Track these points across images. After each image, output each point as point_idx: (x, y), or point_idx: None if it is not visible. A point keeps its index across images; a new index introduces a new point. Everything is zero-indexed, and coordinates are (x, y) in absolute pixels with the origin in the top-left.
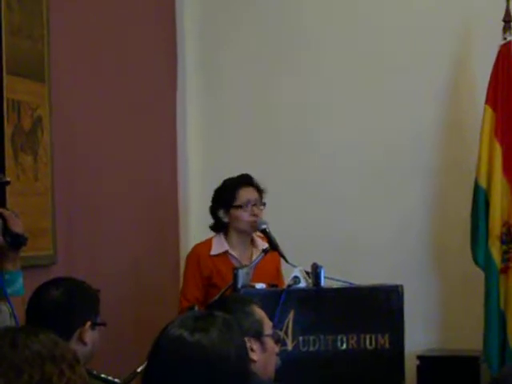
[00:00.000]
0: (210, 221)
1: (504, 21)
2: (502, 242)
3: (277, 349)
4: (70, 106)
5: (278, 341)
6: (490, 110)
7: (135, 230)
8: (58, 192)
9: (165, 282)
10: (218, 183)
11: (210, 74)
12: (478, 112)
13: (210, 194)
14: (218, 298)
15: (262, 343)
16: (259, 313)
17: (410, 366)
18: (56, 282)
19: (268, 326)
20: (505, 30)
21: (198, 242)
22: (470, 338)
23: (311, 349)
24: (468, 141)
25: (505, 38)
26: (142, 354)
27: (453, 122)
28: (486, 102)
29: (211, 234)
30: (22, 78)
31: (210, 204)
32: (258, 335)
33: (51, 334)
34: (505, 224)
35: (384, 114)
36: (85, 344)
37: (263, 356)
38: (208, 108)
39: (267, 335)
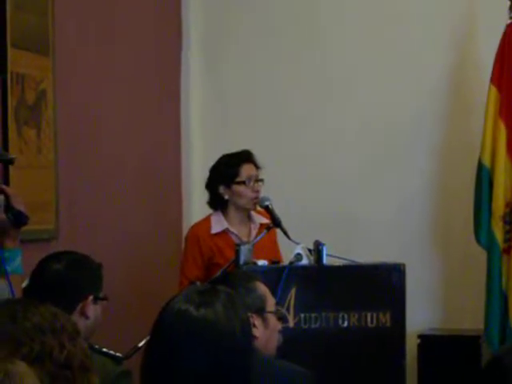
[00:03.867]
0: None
1: (510, 0)
2: (505, 222)
3: (279, 326)
4: (74, 80)
5: (281, 318)
6: (494, 90)
7: (138, 205)
8: (60, 166)
9: (167, 257)
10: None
11: (213, 53)
12: (483, 91)
13: None
14: (221, 274)
15: (265, 319)
16: (262, 289)
17: (411, 344)
18: (59, 256)
19: (271, 303)
20: (510, 9)
21: (200, 217)
22: (471, 318)
23: (313, 326)
24: (472, 120)
25: (510, 18)
26: (143, 328)
27: (458, 101)
28: (491, 81)
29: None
30: (27, 52)
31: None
32: (261, 311)
33: (51, 307)
34: (508, 204)
35: (387, 93)
36: (87, 318)
37: (265, 333)
38: (211, 86)
39: (270, 312)
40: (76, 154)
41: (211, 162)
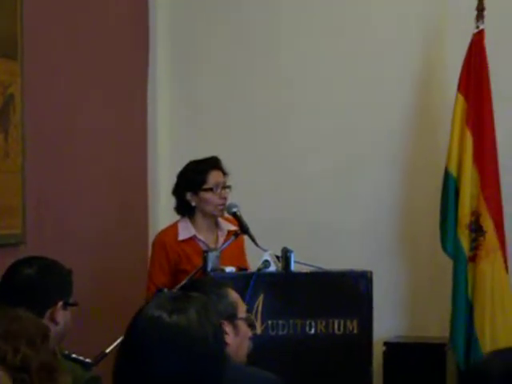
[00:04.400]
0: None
1: (477, 9)
2: (471, 231)
3: (249, 333)
4: (42, 85)
5: (251, 325)
6: (461, 99)
7: (105, 211)
8: (28, 171)
9: (134, 263)
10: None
11: (181, 58)
12: (449, 100)
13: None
14: (190, 280)
15: (235, 326)
16: (233, 295)
17: (377, 352)
18: (30, 261)
19: (242, 310)
20: (477, 18)
21: (166, 223)
22: (436, 326)
23: (280, 333)
24: (439, 129)
25: (477, 27)
26: (110, 334)
27: (424, 110)
28: (458, 90)
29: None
30: None
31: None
32: (232, 318)
33: (11, 311)
34: (474, 213)
35: (355, 102)
36: (56, 324)
37: (236, 339)
38: (178, 92)
39: (240, 318)
40: (44, 158)
41: (178, 169)
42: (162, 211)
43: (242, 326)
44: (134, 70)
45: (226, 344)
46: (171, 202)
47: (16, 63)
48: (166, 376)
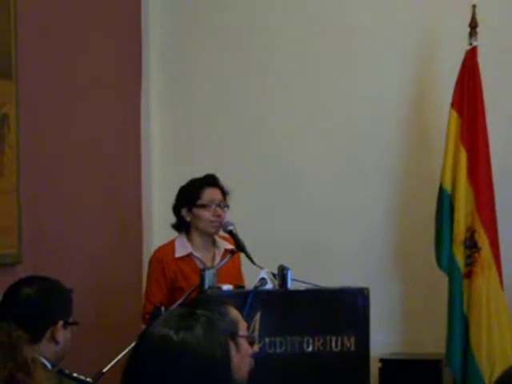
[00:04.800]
0: (173, 222)
1: (470, 26)
2: (466, 247)
3: (251, 350)
4: (37, 104)
5: (253, 342)
6: (455, 115)
7: (100, 229)
8: (23, 190)
9: (128, 282)
10: (181, 184)
11: (175, 69)
12: (443, 116)
13: (173, 194)
14: (191, 298)
15: (237, 344)
16: (234, 313)
17: (373, 368)
18: (30, 280)
19: (243, 327)
20: (471, 35)
21: (160, 242)
22: (432, 342)
23: (278, 350)
24: (433, 145)
25: (471, 44)
26: (104, 353)
27: (418, 127)
28: (452, 106)
29: (174, 234)
30: None
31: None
32: (233, 336)
33: None
34: (469, 229)
35: (348, 118)
36: (57, 343)
37: (237, 357)
38: (173, 107)
39: (242, 336)
40: (39, 177)
41: (171, 189)
42: (156, 230)
43: (243, 344)
44: (127, 90)
45: (232, 361)
46: (165, 220)
47: (11, 83)
48: None
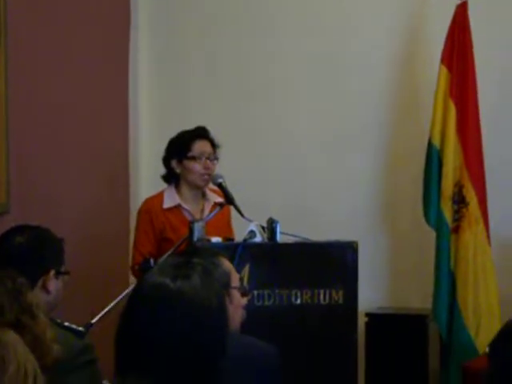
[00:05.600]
0: (160, 173)
1: None
2: (454, 202)
3: (243, 302)
4: (25, 57)
5: (245, 293)
6: (445, 70)
7: (87, 180)
8: (11, 142)
9: (115, 233)
10: (168, 137)
11: (163, 30)
12: (433, 72)
13: (160, 147)
14: (182, 249)
15: (229, 295)
16: (227, 264)
17: (360, 323)
18: (22, 229)
19: (235, 278)
20: None
21: (147, 194)
22: (419, 297)
23: (266, 303)
24: (423, 102)
25: None
26: (91, 303)
27: (407, 82)
28: (442, 62)
29: (161, 185)
30: None
31: (160, 156)
32: (226, 287)
33: None
34: (457, 184)
35: (336, 76)
36: (48, 292)
37: (230, 308)
38: (160, 61)
39: (234, 287)
40: (27, 129)
41: (158, 141)
42: (143, 181)
43: (236, 295)
44: (114, 43)
45: (227, 310)
46: (152, 172)
47: None
48: (170, 341)
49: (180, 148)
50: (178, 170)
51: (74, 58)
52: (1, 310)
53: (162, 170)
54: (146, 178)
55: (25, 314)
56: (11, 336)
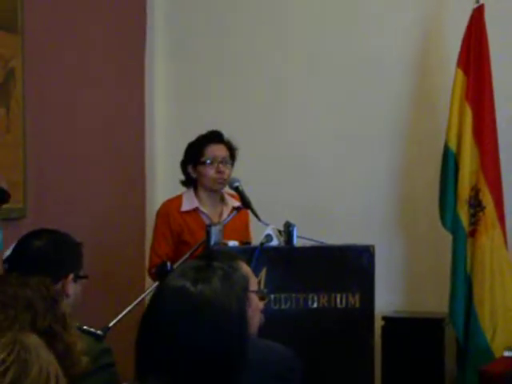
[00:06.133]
0: (177, 177)
1: None
2: (470, 206)
3: (261, 305)
4: (43, 58)
5: (263, 297)
6: (461, 74)
7: (104, 185)
8: (29, 145)
9: (132, 237)
10: (185, 141)
11: (179, 32)
12: (449, 75)
13: (177, 150)
14: (201, 252)
15: (248, 299)
16: (245, 268)
17: (376, 326)
18: (40, 233)
19: (254, 282)
20: None
21: (164, 198)
22: (435, 301)
23: (282, 307)
24: (439, 105)
25: (477, 1)
26: (108, 307)
27: (424, 85)
28: (458, 65)
29: (178, 190)
30: None
31: (176, 161)
32: (245, 291)
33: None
34: (473, 188)
35: (352, 79)
36: (67, 296)
37: (249, 312)
38: (177, 64)
39: (252, 291)
40: (44, 132)
41: (175, 144)
42: (160, 186)
43: (254, 299)
44: (132, 43)
45: (247, 314)
46: (169, 176)
47: (17, 37)
48: (190, 344)
49: (194, 153)
50: (193, 175)
51: (90, 59)
52: (34, 316)
53: (178, 175)
54: (163, 182)
55: (58, 323)
56: (34, 339)
